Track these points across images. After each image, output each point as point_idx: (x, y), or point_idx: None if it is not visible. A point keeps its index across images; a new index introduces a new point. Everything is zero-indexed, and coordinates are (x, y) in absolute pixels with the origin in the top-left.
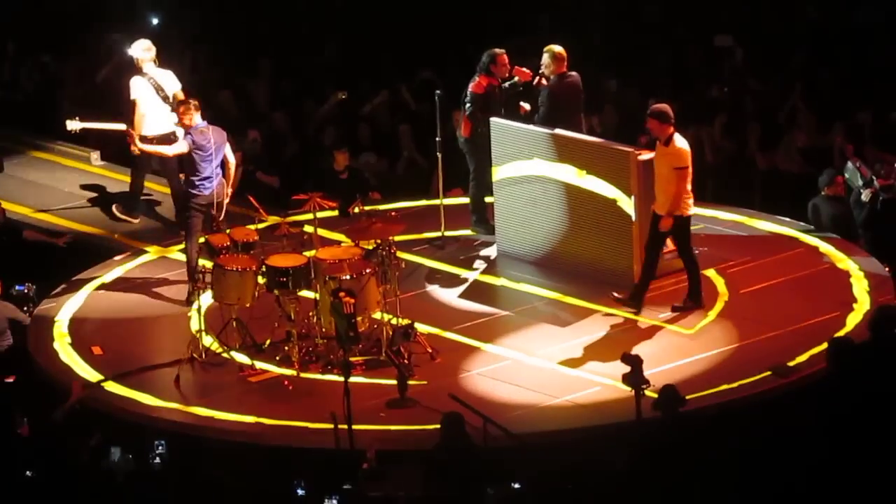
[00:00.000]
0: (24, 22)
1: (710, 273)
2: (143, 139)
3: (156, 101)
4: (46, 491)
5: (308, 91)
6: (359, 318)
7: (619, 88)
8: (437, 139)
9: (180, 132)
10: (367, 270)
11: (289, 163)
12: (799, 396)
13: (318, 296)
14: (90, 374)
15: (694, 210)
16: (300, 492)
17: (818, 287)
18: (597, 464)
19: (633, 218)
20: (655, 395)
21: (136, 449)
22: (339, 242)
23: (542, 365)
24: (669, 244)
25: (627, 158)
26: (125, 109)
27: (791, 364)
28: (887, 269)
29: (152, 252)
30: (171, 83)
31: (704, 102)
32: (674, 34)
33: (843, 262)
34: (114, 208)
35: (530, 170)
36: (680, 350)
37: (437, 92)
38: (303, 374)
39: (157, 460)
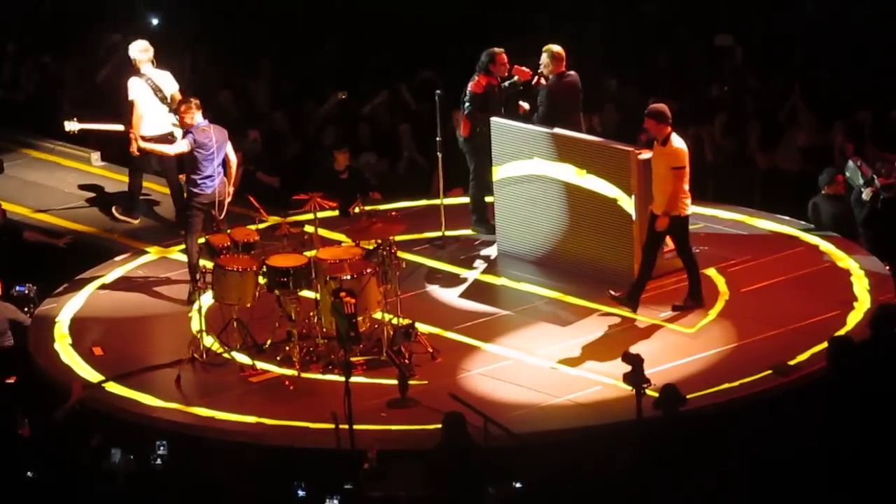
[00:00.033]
0: (25, 22)
1: (711, 272)
2: (142, 139)
3: (153, 101)
4: (47, 492)
5: (308, 91)
6: (359, 318)
7: (619, 88)
8: (438, 139)
9: (178, 132)
10: (368, 270)
11: (289, 163)
12: (799, 395)
13: (318, 296)
14: (91, 374)
15: (694, 209)
16: (301, 493)
17: (818, 286)
18: (598, 463)
19: (634, 217)
20: (656, 395)
21: (137, 449)
22: (339, 242)
23: (542, 364)
24: (670, 243)
25: (628, 157)
26: (123, 110)
27: (791, 363)
28: (888, 267)
29: (153, 252)
30: (169, 84)
31: (705, 102)
32: (674, 33)
33: (844, 260)
34: (113, 210)
35: (530, 169)
36: (680, 349)
37: (438, 92)
38: (304, 374)
39: (159, 461)
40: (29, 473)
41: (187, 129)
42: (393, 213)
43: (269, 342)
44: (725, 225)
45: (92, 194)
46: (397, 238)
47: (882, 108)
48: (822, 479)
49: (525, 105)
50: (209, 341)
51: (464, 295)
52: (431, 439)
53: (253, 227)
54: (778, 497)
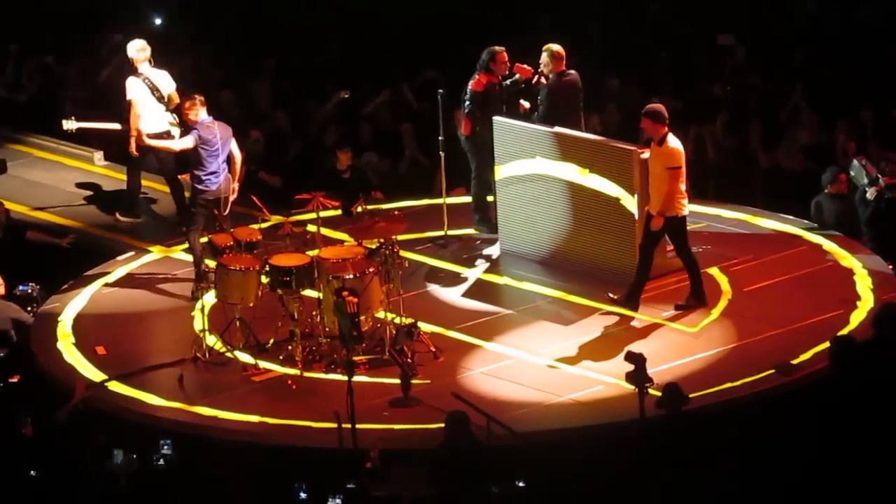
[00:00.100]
0: (27, 23)
1: (713, 271)
2: (136, 137)
3: (151, 100)
4: (50, 491)
5: (310, 90)
6: (362, 318)
7: (620, 87)
8: (440, 138)
9: (175, 131)
10: (371, 270)
11: (291, 162)
12: (802, 395)
13: (321, 295)
14: (94, 373)
15: (697, 208)
16: (302, 495)
17: (821, 285)
18: (600, 462)
19: (636, 216)
20: (659, 394)
21: (139, 449)
22: (342, 242)
23: (545, 363)
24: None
25: (630, 157)
26: (122, 109)
27: (794, 362)
28: (891, 266)
29: (156, 252)
30: (167, 83)
31: (707, 101)
32: (676, 33)
33: (847, 259)
34: (117, 215)
35: (533, 168)
36: (683, 348)
37: (440, 91)
38: (306, 374)
39: (161, 461)
40: (32, 473)
41: (192, 126)
42: (395, 213)
43: (271, 341)
44: (728, 224)
45: (95, 194)
46: (399, 237)
47: (884, 107)
48: (824, 478)
49: (526, 104)
50: (212, 340)
51: (466, 294)
52: (434, 438)
53: (255, 226)
54: (779, 495)
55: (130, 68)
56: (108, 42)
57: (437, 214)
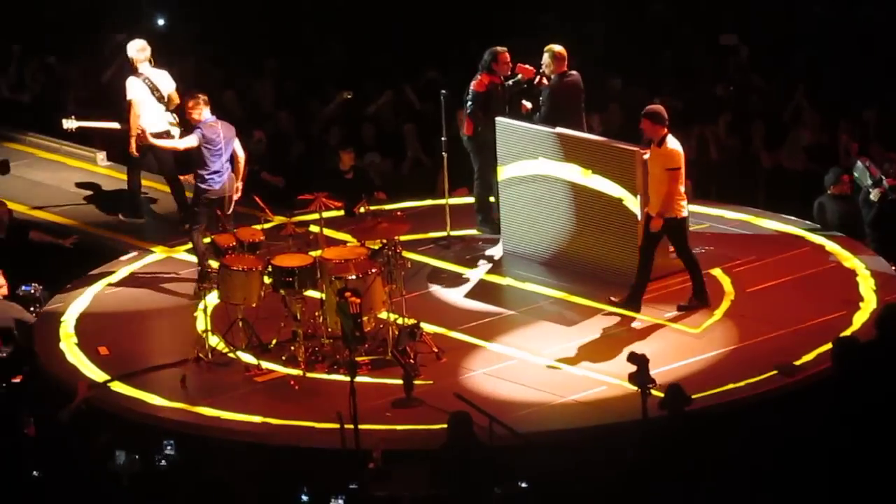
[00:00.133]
0: (30, 23)
1: (716, 272)
2: (139, 137)
3: (151, 100)
4: (53, 491)
5: (312, 91)
6: (364, 318)
7: (623, 87)
8: (443, 139)
9: (175, 131)
10: (373, 270)
11: (294, 163)
12: (805, 396)
13: (323, 296)
14: (96, 374)
15: (700, 209)
16: (304, 498)
17: (824, 286)
18: (603, 463)
19: (639, 217)
20: (661, 394)
21: (142, 449)
22: (344, 242)
23: (547, 364)
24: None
25: (633, 157)
26: (122, 109)
27: (797, 363)
28: (894, 267)
29: (158, 252)
30: (167, 83)
31: (709, 101)
32: (678, 33)
33: (850, 260)
34: (120, 216)
35: (535, 169)
36: (686, 349)
37: (443, 91)
38: (309, 374)
39: (164, 462)
40: (35, 473)
41: (195, 125)
42: (398, 213)
43: (274, 342)
44: (731, 225)
45: (97, 194)
46: (402, 238)
47: (887, 107)
48: (826, 479)
49: (528, 104)
50: (214, 341)
51: (469, 295)
52: (436, 439)
53: (258, 226)
54: (781, 496)
55: (130, 68)
56: (110, 42)
57: (440, 215)
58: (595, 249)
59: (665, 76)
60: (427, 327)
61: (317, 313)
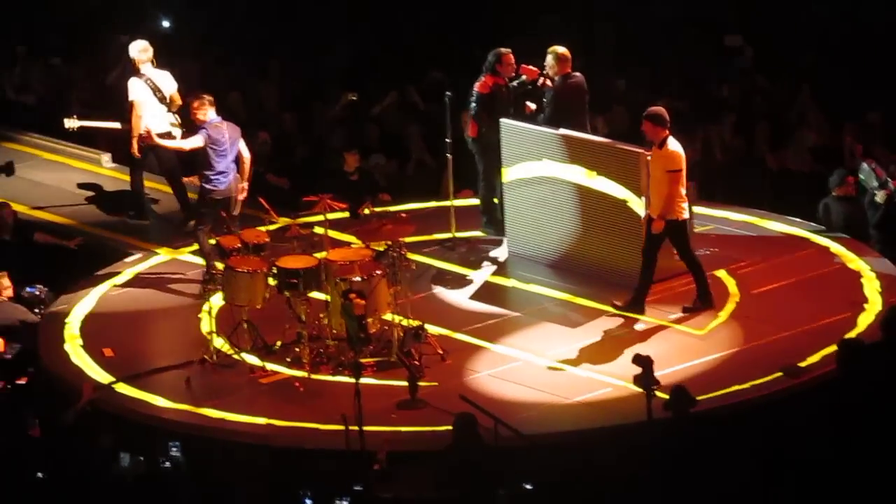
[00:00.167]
0: (35, 25)
1: (721, 274)
2: (143, 137)
3: (152, 101)
4: (57, 492)
5: (317, 92)
6: (369, 320)
7: (628, 88)
8: (447, 140)
9: (176, 132)
10: (378, 272)
11: (299, 164)
12: (810, 397)
13: (328, 297)
14: (101, 375)
15: (704, 210)
16: (308, 502)
17: (829, 287)
18: (607, 464)
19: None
20: (666, 396)
21: (146, 451)
22: (349, 244)
23: (552, 365)
24: None
25: (637, 159)
26: (124, 110)
27: (802, 365)
28: None
29: (163, 253)
30: (169, 84)
31: (714, 102)
32: (683, 34)
33: (855, 262)
34: (125, 217)
35: (540, 171)
36: (690, 351)
37: (447, 93)
38: (313, 376)
39: (168, 463)
40: (39, 474)
41: (200, 126)
42: (402, 215)
43: (278, 343)
44: (735, 226)
45: (102, 196)
46: (407, 239)
47: (892, 109)
48: (831, 480)
49: (532, 105)
50: (219, 343)
51: (473, 296)
52: (441, 441)
53: (263, 228)
54: (788, 498)
55: (132, 69)
56: (114, 44)
57: (445, 216)
58: (600, 251)
59: (670, 77)
60: (432, 329)
61: (321, 315)
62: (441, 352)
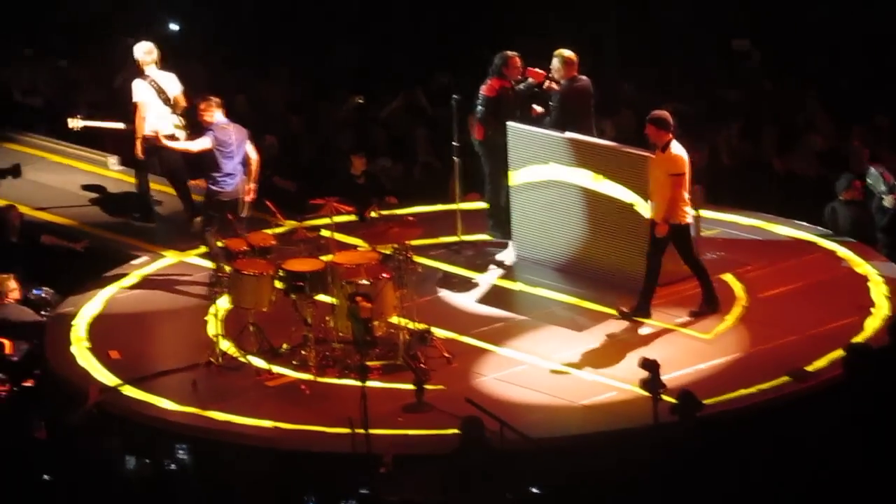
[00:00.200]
0: (42, 27)
1: (728, 277)
2: (151, 139)
3: (156, 103)
4: (63, 495)
5: (324, 95)
6: (375, 323)
7: (635, 92)
8: (454, 143)
9: (181, 134)
10: (384, 275)
11: (305, 167)
12: (816, 402)
13: (334, 300)
14: (107, 377)
15: (711, 214)
16: None
17: (836, 292)
18: (614, 468)
19: None
20: (673, 400)
21: (152, 453)
22: (355, 247)
23: (558, 369)
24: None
25: (644, 162)
26: (130, 112)
27: (809, 369)
28: None
29: (169, 256)
30: (173, 85)
31: (721, 106)
32: (691, 37)
33: (862, 266)
34: (133, 220)
35: (547, 174)
36: (697, 354)
37: (454, 96)
38: (320, 379)
39: (175, 466)
40: (45, 476)
41: (207, 127)
42: (409, 218)
43: (285, 346)
44: (743, 230)
45: (108, 198)
46: (413, 242)
47: None
48: (835, 485)
49: (538, 108)
50: (226, 345)
51: (479, 299)
52: (448, 444)
53: (269, 231)
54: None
55: (137, 71)
56: (122, 46)
57: (451, 220)
58: (607, 254)
59: (677, 81)
60: (438, 332)
61: (328, 318)
62: (447, 355)
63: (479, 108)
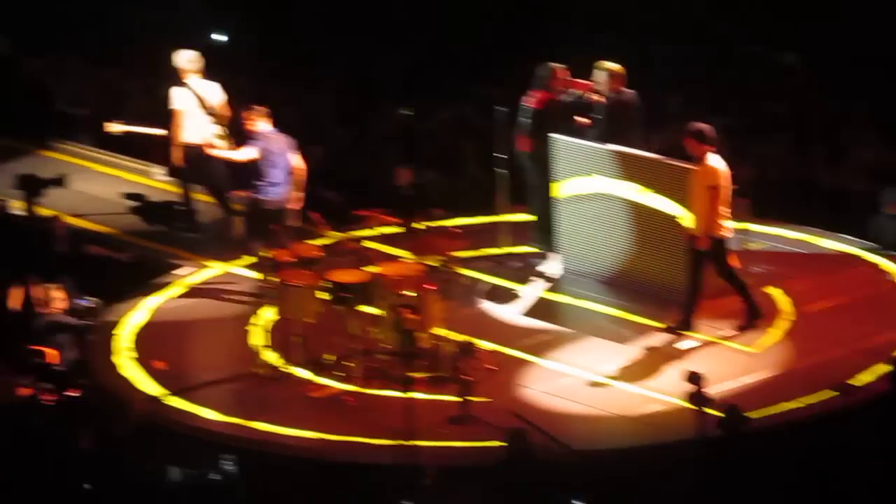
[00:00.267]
0: (89, 38)
1: (774, 291)
2: (191, 148)
3: (195, 111)
4: None
5: (371, 107)
6: (420, 335)
7: (682, 106)
8: (500, 156)
9: (222, 143)
10: (429, 287)
11: (352, 179)
12: (862, 416)
13: (380, 312)
14: (152, 387)
15: (758, 228)
16: None
17: (882, 305)
18: (659, 481)
19: None
20: (718, 413)
21: (197, 464)
22: (401, 258)
23: (602, 381)
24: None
25: (688, 175)
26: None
27: (854, 383)
28: None
29: (214, 266)
30: (215, 95)
31: (769, 120)
32: (739, 51)
33: None
34: (176, 229)
35: (592, 186)
36: (743, 368)
37: (500, 108)
38: (364, 390)
39: (221, 477)
40: (86, 486)
41: (253, 137)
42: (455, 230)
43: (330, 357)
44: (790, 244)
45: (154, 208)
46: (459, 254)
47: None
48: (878, 501)
49: (583, 120)
50: (270, 356)
51: (525, 311)
52: (492, 456)
53: (315, 242)
54: None
55: (177, 78)
56: (170, 58)
57: (497, 232)
58: (651, 267)
59: (725, 95)
60: (483, 344)
61: (373, 329)
62: (492, 367)
63: (526, 120)
